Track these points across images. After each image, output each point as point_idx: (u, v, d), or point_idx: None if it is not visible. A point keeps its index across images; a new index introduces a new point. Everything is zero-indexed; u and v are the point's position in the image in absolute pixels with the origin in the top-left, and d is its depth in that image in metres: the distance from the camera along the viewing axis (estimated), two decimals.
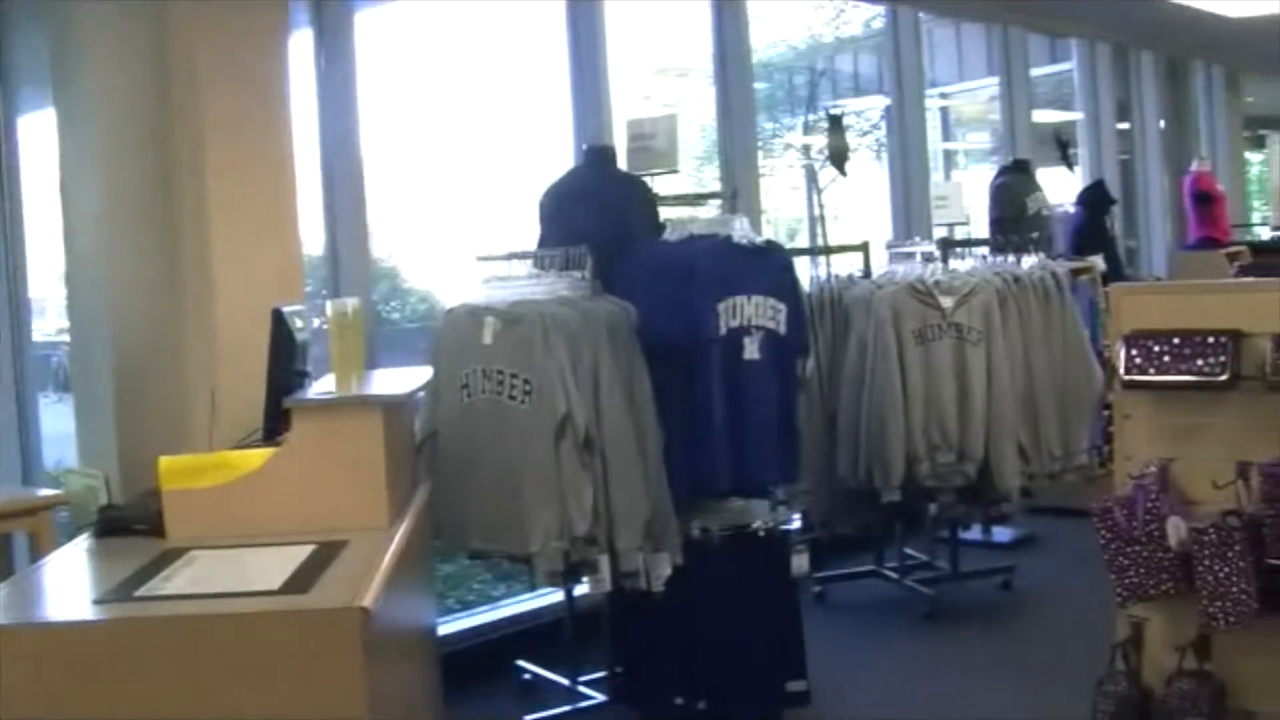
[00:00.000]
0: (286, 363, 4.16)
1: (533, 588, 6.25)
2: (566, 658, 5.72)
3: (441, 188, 7.67)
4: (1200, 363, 3.21)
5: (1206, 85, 14.37)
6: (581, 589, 5.26)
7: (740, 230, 5.26)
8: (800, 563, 5.37)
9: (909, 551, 7.38)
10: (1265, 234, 12.04)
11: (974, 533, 7.90)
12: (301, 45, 5.81)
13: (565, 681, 5.67)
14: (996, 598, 7.23)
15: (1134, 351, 3.30)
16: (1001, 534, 8.18)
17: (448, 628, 6.04)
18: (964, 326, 6.46)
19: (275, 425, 4.00)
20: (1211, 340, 3.21)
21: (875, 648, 6.52)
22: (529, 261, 5.27)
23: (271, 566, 3.18)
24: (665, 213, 5.57)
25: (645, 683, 5.29)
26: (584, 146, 6.24)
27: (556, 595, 5.92)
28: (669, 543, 4.97)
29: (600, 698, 5.55)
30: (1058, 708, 4.64)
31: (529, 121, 7.80)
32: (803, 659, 5.39)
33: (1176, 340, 3.24)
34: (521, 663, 5.95)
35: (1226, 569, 3.11)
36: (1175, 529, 3.19)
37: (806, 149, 11.52)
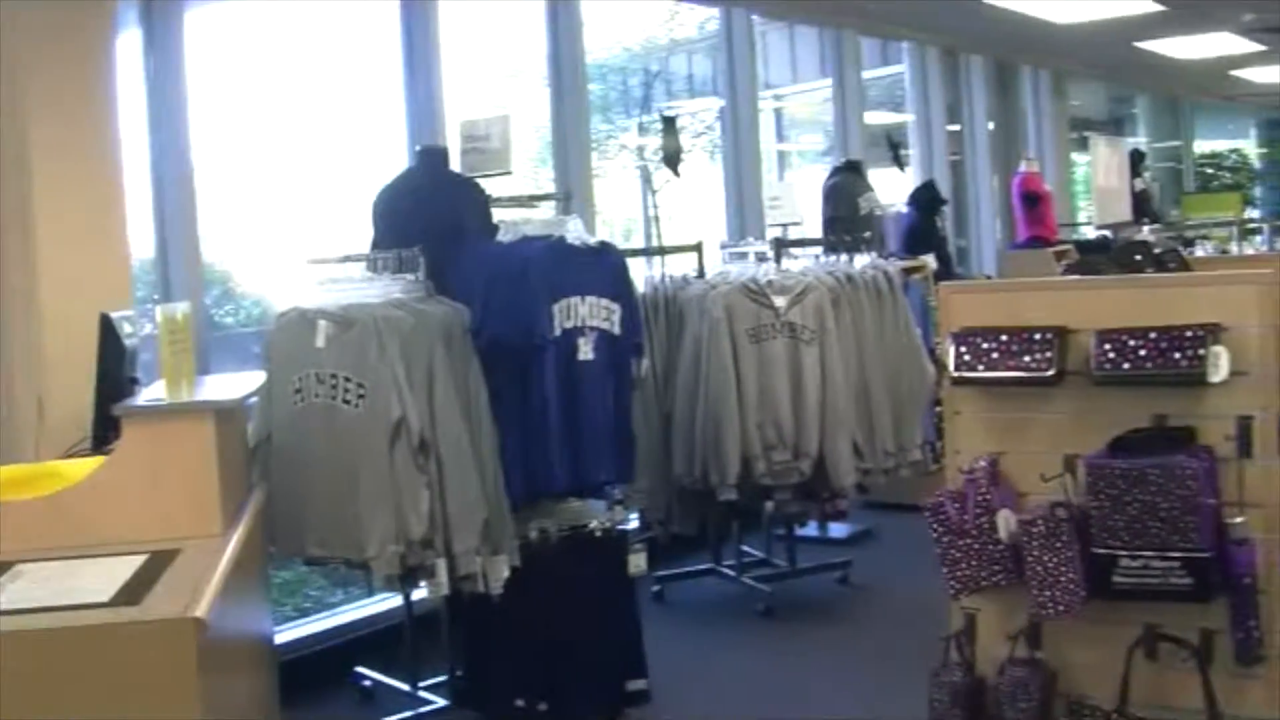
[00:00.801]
0: (115, 370, 4.08)
1: (370, 593, 6.19)
2: (406, 663, 5.66)
3: (274, 190, 7.55)
4: (1027, 359, 3.27)
5: (1034, 88, 14.67)
6: (420, 593, 5.23)
7: (574, 231, 5.26)
8: (638, 562, 5.38)
9: (746, 549, 7.44)
10: (1091, 233, 12.30)
11: (810, 529, 7.98)
12: (130, 45, 5.69)
13: (405, 687, 5.62)
14: (833, 593, 7.31)
15: (963, 349, 3.35)
16: (838, 530, 8.27)
17: (285, 636, 5.95)
18: (797, 326, 6.52)
19: (104, 433, 3.91)
20: (1038, 337, 3.26)
21: (714, 645, 6.56)
22: (362, 264, 5.22)
23: (102, 578, 3.10)
24: (499, 214, 5.53)
25: (486, 685, 5.26)
26: (417, 148, 6.19)
27: (395, 600, 5.87)
28: (506, 545, 4.95)
29: (441, 702, 5.51)
30: (895, 699, 4.70)
31: (362, 122, 7.71)
32: (642, 658, 5.41)
33: (1004, 337, 3.30)
34: (360, 669, 5.88)
35: (1055, 559, 3.17)
36: (1005, 521, 3.24)
37: (641, 150, 11.56)
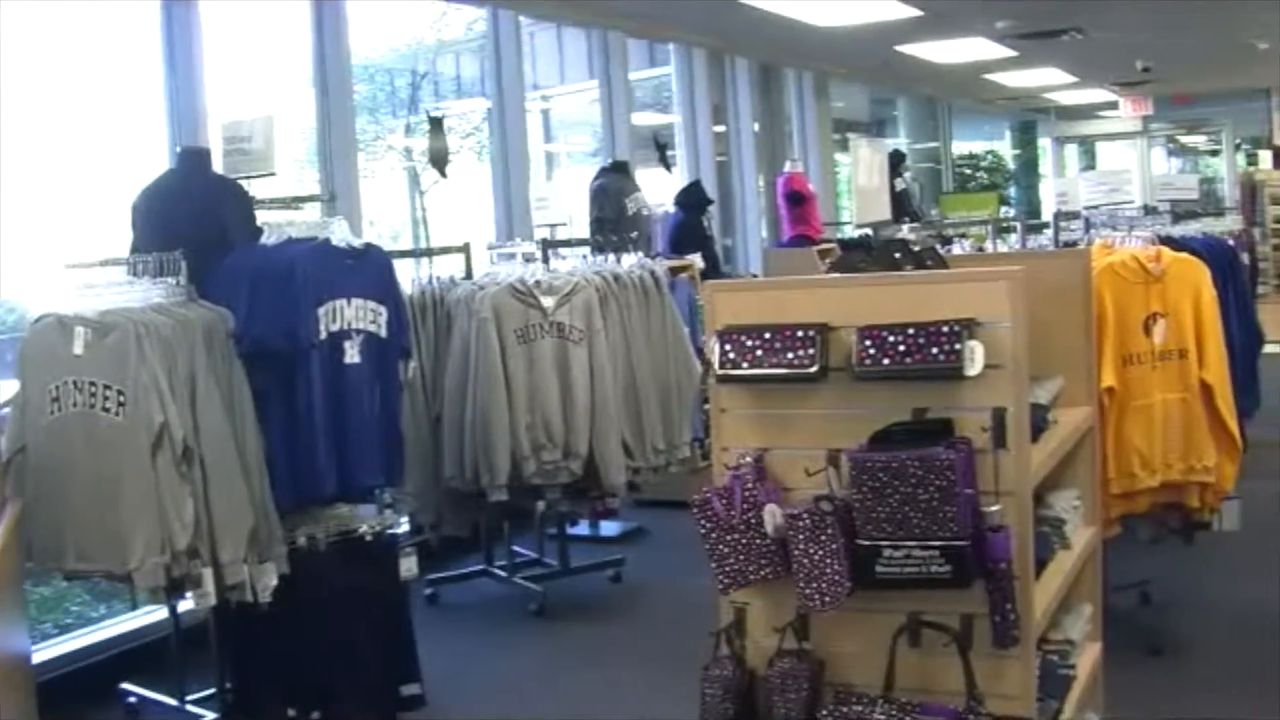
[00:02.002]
0: None
1: (134, 606, 6.05)
2: (173, 677, 5.55)
3: (30, 192, 7.30)
4: (791, 356, 3.31)
5: (798, 90, 14.94)
6: (186, 605, 5.11)
7: (340, 233, 5.21)
8: (409, 565, 5.34)
9: (518, 549, 7.45)
10: (854, 232, 12.57)
11: (582, 528, 8.02)
12: None
13: (173, 702, 5.51)
14: (606, 591, 7.36)
15: (728, 346, 3.38)
16: (609, 528, 8.33)
17: (44, 654, 5.78)
18: (565, 326, 6.55)
19: None
20: (801, 334, 3.31)
21: (488, 647, 6.55)
22: (122, 268, 5.08)
23: None
24: (263, 216, 5.45)
25: (257, 697, 5.17)
26: (178, 149, 6.07)
27: (160, 613, 5.75)
28: (274, 552, 4.88)
29: (210, 716, 5.42)
30: (668, 695, 4.74)
31: (121, 122, 7.52)
32: (415, 662, 5.38)
33: (768, 335, 3.34)
34: (126, 685, 5.75)
35: (821, 552, 3.21)
36: (771, 516, 3.28)
37: (408, 151, 11.49)
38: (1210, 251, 6.57)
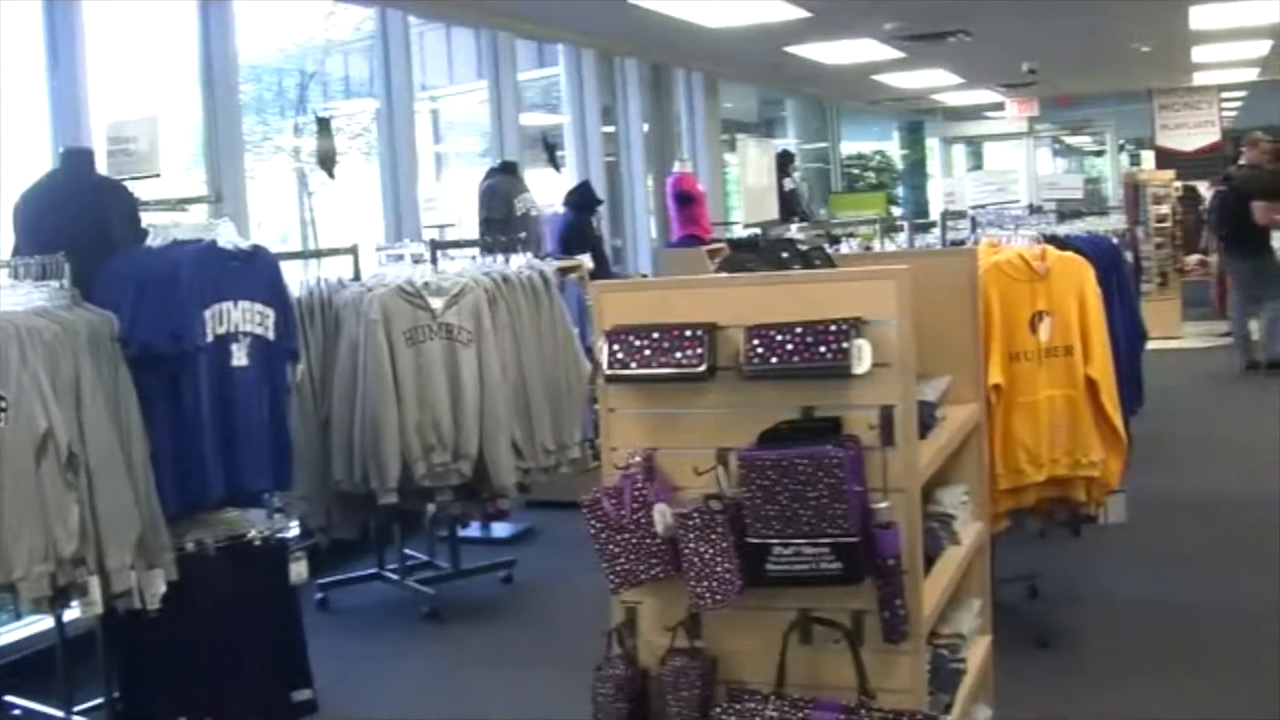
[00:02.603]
0: None
1: (19, 616, 5.92)
2: (59, 688, 5.44)
3: None
4: (679, 355, 3.31)
5: (687, 91, 14.98)
6: (72, 613, 5.01)
7: (226, 235, 5.14)
8: (299, 570, 5.29)
9: (409, 552, 7.41)
10: (744, 231, 12.64)
11: (473, 530, 7.99)
12: None
13: (59, 714, 5.41)
14: (499, 593, 7.33)
15: (616, 346, 3.37)
16: (501, 529, 8.31)
17: None
18: (454, 327, 6.52)
19: None
20: (689, 334, 3.31)
21: (380, 651, 6.51)
22: (3, 271, 4.98)
23: None
24: (148, 218, 5.37)
25: (146, 706, 5.09)
26: (61, 149, 5.96)
27: (46, 622, 5.63)
28: (162, 559, 4.80)
29: None
30: (561, 696, 4.72)
31: (2, 124, 7.38)
32: (307, 667, 5.32)
33: (656, 334, 3.34)
34: (10, 698, 5.64)
35: (711, 550, 3.22)
36: (661, 515, 3.28)
37: (296, 152, 11.37)
38: (1095, 250, 6.67)
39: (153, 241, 5.13)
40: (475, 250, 7.50)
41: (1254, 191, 13.40)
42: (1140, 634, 6.16)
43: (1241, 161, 14.14)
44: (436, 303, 6.52)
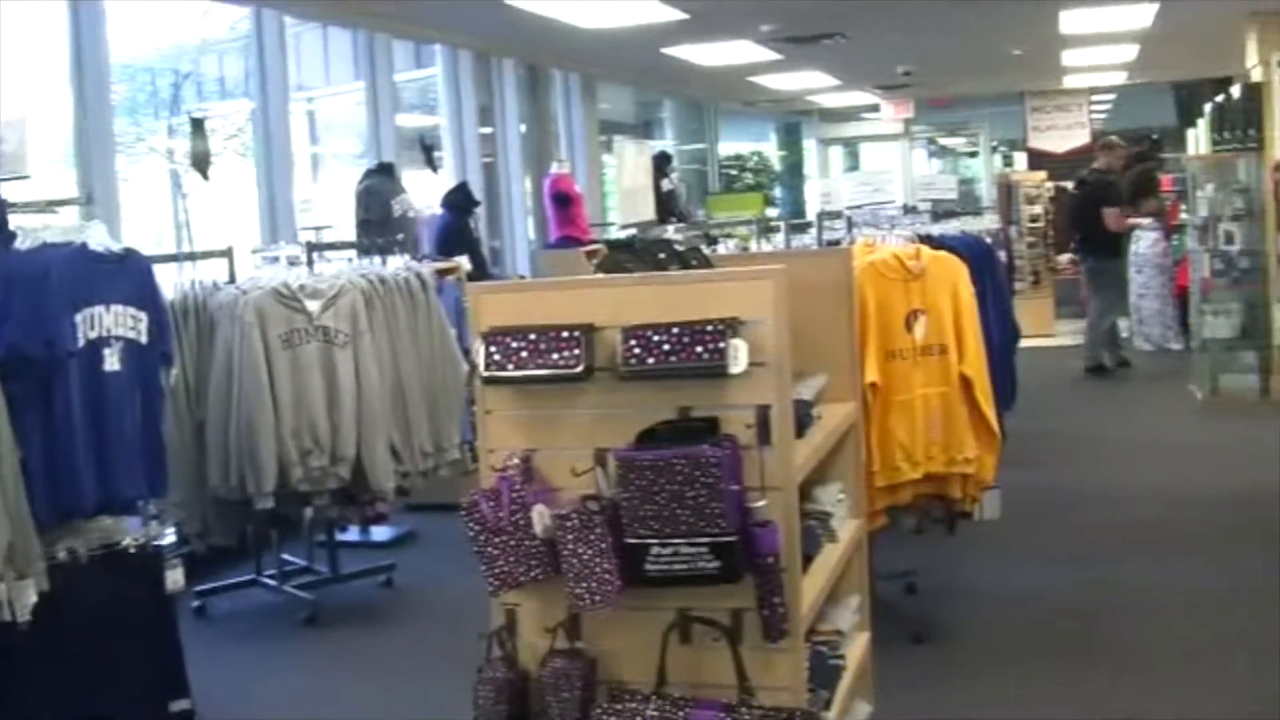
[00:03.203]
0: None
1: None
2: None
3: None
4: (556, 357, 3.31)
5: (565, 92, 14.98)
6: None
7: (98, 237, 5.05)
8: (175, 578, 5.21)
9: (288, 558, 7.34)
10: (620, 232, 12.64)
11: (352, 534, 7.93)
12: None
13: None
14: (379, 597, 7.28)
15: (493, 348, 3.36)
16: (380, 533, 8.25)
17: None
18: (331, 329, 6.47)
19: None
20: (566, 335, 3.31)
21: (259, 658, 6.44)
22: None
23: None
24: (16, 220, 5.25)
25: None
26: None
27: None
28: (33, 568, 4.69)
29: None
30: (443, 700, 4.71)
31: None
32: (184, 677, 5.24)
33: (533, 336, 3.33)
34: None
35: (589, 551, 3.22)
36: (540, 517, 3.28)
37: (170, 153, 11.21)
38: (969, 249, 6.76)
39: (21, 244, 5.02)
40: (352, 252, 7.45)
41: (1106, 198, 13.67)
42: (1014, 627, 6.25)
43: (1095, 165, 14.39)
44: (313, 305, 6.46)
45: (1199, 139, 13.75)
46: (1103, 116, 23.35)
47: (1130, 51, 15.69)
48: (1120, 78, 19.36)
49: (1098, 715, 5.24)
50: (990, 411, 5.80)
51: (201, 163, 8.12)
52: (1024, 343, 8.42)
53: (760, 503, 3.26)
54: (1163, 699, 5.34)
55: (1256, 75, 11.80)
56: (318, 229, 7.68)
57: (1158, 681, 5.52)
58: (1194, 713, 5.22)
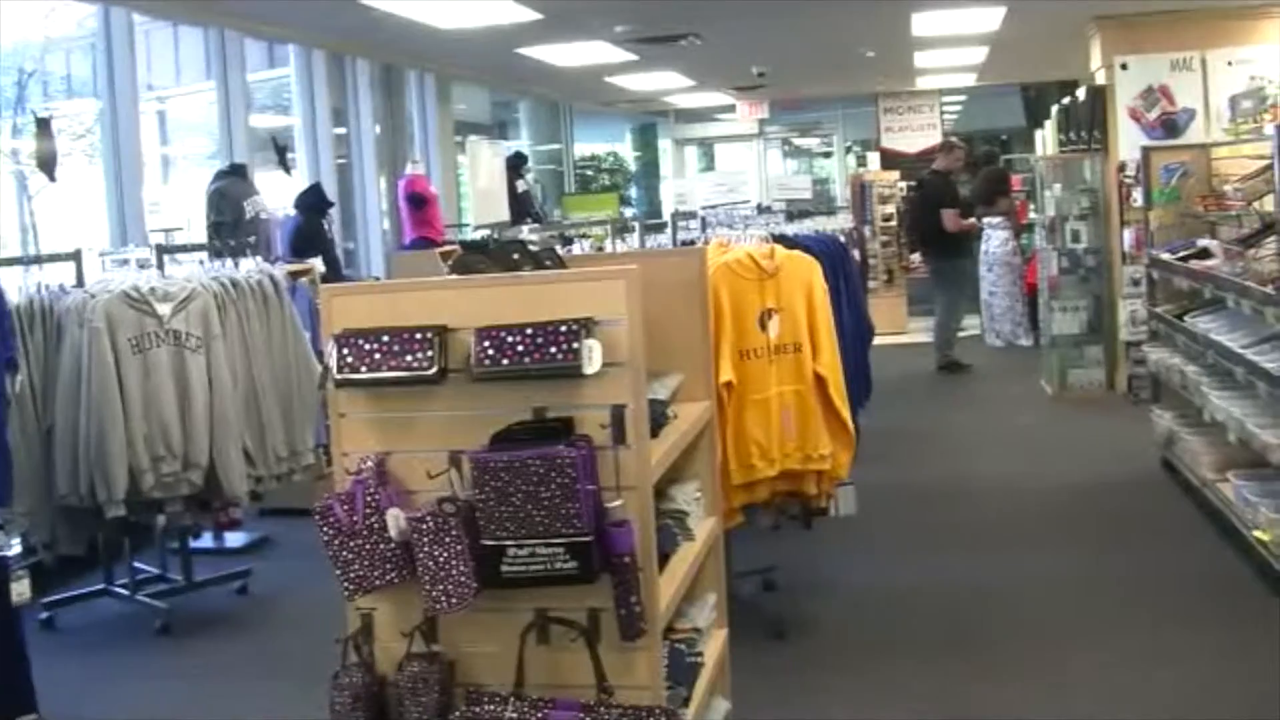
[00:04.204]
0: None
1: None
2: None
3: None
4: (409, 359, 3.29)
5: (420, 92, 14.88)
6: None
7: None
8: (22, 589, 5.09)
9: (140, 566, 7.22)
10: (475, 234, 12.58)
11: (206, 540, 7.82)
12: None
13: None
14: (234, 604, 7.20)
15: (345, 351, 3.33)
16: (234, 539, 8.16)
17: None
18: (182, 333, 6.38)
19: None
20: (419, 336, 3.29)
21: (111, 669, 6.33)
22: None
23: None
24: None
25: None
26: None
27: None
28: None
29: None
30: (301, 706, 4.67)
31: None
32: (31, 692, 5.12)
33: (386, 338, 3.31)
34: None
35: (446, 554, 3.21)
36: (395, 520, 3.26)
37: (15, 154, 10.98)
38: (822, 249, 6.84)
39: None
40: (203, 254, 7.34)
41: (944, 198, 13.92)
42: (872, 622, 6.33)
43: (934, 166, 14.64)
44: (163, 309, 6.37)
45: (1046, 140, 14.09)
46: (954, 117, 23.73)
47: (980, 54, 15.93)
48: (970, 79, 19.66)
49: (957, 708, 5.32)
50: (844, 409, 5.87)
51: (47, 163, 7.95)
52: (877, 340, 8.54)
53: (616, 502, 3.26)
54: (1021, 691, 5.44)
55: (1100, 78, 12.07)
56: (168, 231, 7.56)
57: (1016, 674, 5.62)
58: (1052, 704, 5.33)
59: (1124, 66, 11.69)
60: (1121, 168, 11.38)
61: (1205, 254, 7.95)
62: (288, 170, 11.11)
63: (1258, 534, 6.50)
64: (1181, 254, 8.33)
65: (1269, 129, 8.44)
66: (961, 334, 14.40)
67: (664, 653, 3.60)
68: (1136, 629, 6.06)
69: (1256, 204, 7.27)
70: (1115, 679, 5.50)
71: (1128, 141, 11.41)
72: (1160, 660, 5.66)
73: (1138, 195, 9.93)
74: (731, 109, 22.04)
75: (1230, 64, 11.48)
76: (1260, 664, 5.53)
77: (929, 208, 13.95)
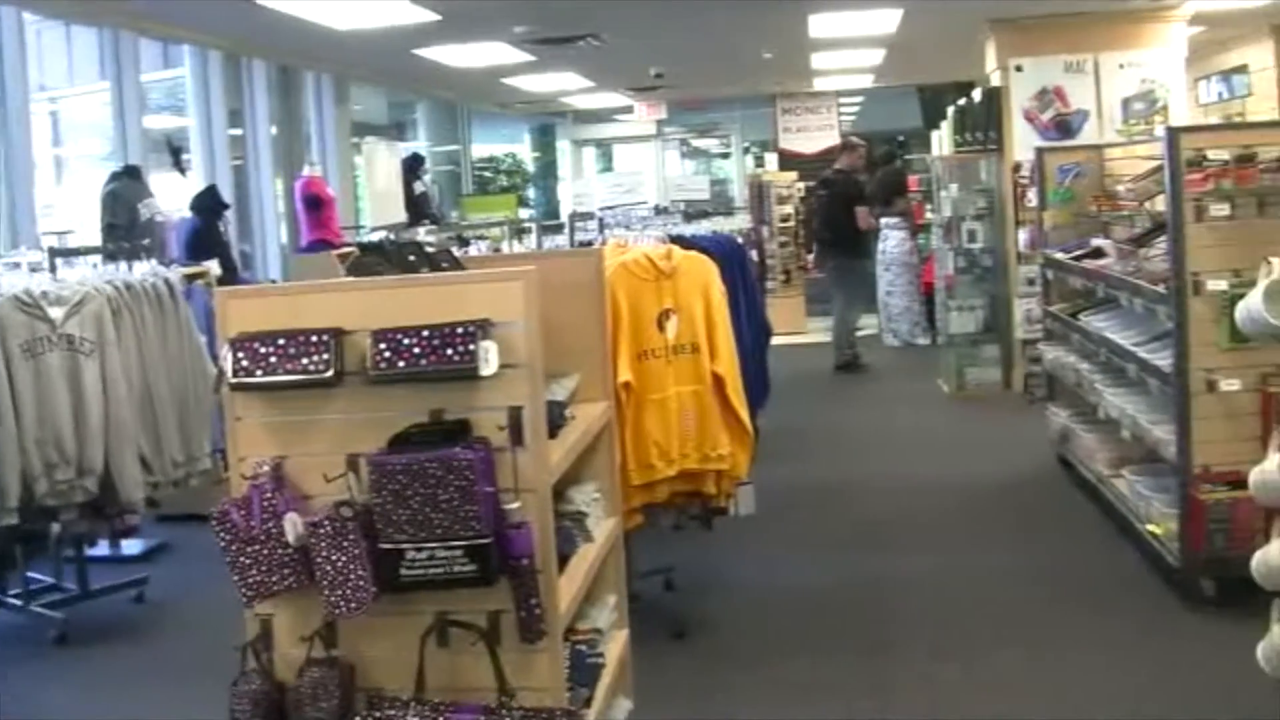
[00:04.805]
0: None
1: None
2: None
3: None
4: (306, 362, 3.27)
5: (317, 93, 14.77)
6: None
7: None
8: None
9: (33, 575, 7.12)
10: (376, 236, 12.51)
11: (102, 548, 7.71)
12: None
13: None
14: (131, 612, 7.11)
15: (241, 354, 3.31)
16: (131, 546, 8.05)
17: None
18: (75, 338, 6.30)
19: None
20: (315, 339, 3.27)
21: (6, 682, 6.23)
22: None
23: None
24: None
25: None
26: None
27: None
28: None
29: None
30: (200, 715, 4.61)
31: None
32: None
33: (282, 341, 3.29)
34: None
35: (343, 558, 3.19)
36: (292, 525, 3.24)
37: None
38: (720, 249, 6.87)
39: None
40: (97, 258, 7.24)
41: (855, 197, 14.04)
42: (774, 621, 6.38)
43: (838, 166, 14.76)
44: (56, 313, 6.28)
45: (943, 141, 14.24)
46: (851, 118, 23.89)
47: (877, 56, 16.07)
48: (868, 81, 19.82)
49: (857, 706, 5.37)
50: (743, 409, 5.90)
51: None
52: (776, 341, 8.60)
53: (515, 504, 3.27)
54: (921, 688, 5.50)
55: (995, 80, 12.23)
56: (61, 234, 7.45)
57: (916, 669, 5.69)
58: (951, 698, 5.39)
59: (1019, 68, 11.86)
60: (1017, 168, 11.53)
61: (1099, 253, 8.07)
62: (183, 172, 11.01)
63: (1151, 527, 6.62)
64: (1076, 253, 8.44)
65: (1160, 130, 8.60)
66: (860, 333, 14.52)
67: (565, 654, 3.61)
68: (1034, 622, 6.15)
69: (1148, 204, 7.39)
70: (1015, 671, 5.58)
71: (1023, 142, 11.57)
72: (1059, 652, 5.75)
73: (1033, 195, 10.04)
74: (630, 110, 22.06)
75: (1122, 66, 11.69)
76: (1155, 654, 5.64)
77: (840, 206, 14.06)
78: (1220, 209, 5.99)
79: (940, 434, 10.66)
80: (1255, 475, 3.58)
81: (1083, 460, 8.19)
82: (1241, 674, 4.31)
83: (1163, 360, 6.43)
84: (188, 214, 10.26)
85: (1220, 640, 5.53)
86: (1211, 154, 6.05)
